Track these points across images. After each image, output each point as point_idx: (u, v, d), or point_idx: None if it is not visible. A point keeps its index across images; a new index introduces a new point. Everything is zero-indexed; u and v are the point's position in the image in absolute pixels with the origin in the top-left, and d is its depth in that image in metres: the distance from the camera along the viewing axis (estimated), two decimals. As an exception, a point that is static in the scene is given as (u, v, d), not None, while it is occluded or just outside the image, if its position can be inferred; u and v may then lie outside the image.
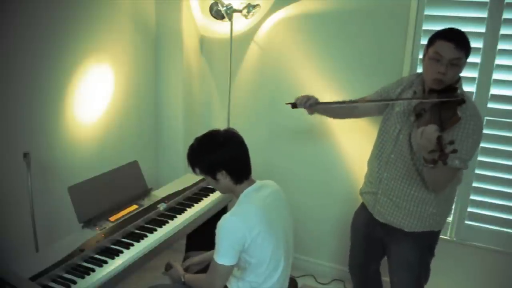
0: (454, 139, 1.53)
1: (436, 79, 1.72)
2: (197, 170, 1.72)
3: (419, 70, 2.34)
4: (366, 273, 2.23)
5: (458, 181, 1.91)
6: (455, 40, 1.68)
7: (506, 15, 2.14)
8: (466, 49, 1.70)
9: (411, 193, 1.87)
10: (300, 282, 2.69)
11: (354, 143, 2.60)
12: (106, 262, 1.73)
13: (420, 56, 2.33)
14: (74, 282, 1.60)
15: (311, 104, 2.03)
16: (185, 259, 2.10)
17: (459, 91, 1.72)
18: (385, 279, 2.16)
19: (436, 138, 1.47)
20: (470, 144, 1.71)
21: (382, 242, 2.05)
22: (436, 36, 1.74)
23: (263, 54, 2.74)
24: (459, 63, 1.71)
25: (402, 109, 1.89)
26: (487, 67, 2.21)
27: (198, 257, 2.02)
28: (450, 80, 1.72)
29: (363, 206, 2.11)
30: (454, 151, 1.44)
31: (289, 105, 2.08)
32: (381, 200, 1.95)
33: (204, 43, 2.89)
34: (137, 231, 1.99)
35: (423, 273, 2.00)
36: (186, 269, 1.98)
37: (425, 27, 2.28)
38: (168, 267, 1.94)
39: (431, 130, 1.52)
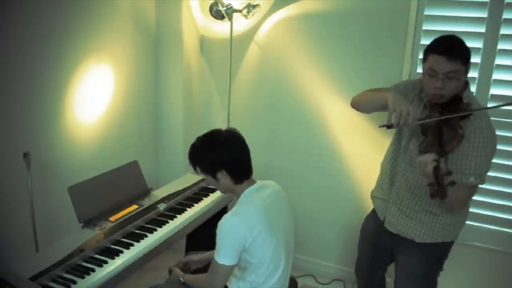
0: (465, 157, 1.47)
1: (435, 94, 1.65)
2: (198, 169, 1.73)
3: (419, 69, 2.34)
4: (372, 278, 2.18)
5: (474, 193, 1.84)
6: (447, 52, 1.58)
7: (506, 15, 2.14)
8: (461, 58, 1.60)
9: (421, 206, 1.81)
10: (300, 282, 2.69)
11: (355, 144, 2.59)
12: (106, 262, 1.73)
13: (420, 56, 2.33)
14: (74, 282, 1.60)
15: (411, 123, 1.64)
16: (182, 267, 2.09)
17: (465, 101, 1.64)
18: (389, 280, 2.16)
19: (433, 170, 1.41)
20: (484, 158, 1.63)
21: (391, 251, 2.00)
22: (428, 51, 1.65)
23: (263, 54, 2.74)
24: (457, 75, 1.60)
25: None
26: (487, 67, 2.21)
27: (198, 256, 2.02)
28: (451, 93, 1.64)
29: (373, 213, 2.06)
30: (452, 183, 1.37)
31: (384, 127, 1.66)
32: (392, 209, 1.90)
33: (204, 43, 2.89)
34: (137, 231, 1.99)
35: (428, 286, 1.95)
36: (185, 266, 1.98)
37: (425, 27, 2.28)
38: (170, 272, 1.94)
39: (428, 160, 1.45)
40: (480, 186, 2.30)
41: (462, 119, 1.60)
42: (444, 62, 1.58)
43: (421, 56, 2.29)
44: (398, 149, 1.90)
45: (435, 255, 1.89)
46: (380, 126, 1.69)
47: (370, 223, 2.09)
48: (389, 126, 1.64)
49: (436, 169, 1.40)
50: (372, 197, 2.07)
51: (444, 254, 1.93)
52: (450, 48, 1.60)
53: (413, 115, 1.60)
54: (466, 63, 1.63)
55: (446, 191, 1.38)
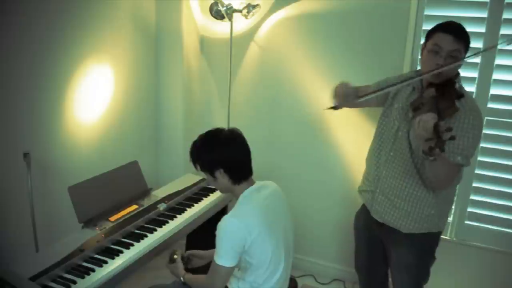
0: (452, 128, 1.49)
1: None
2: (198, 167, 1.73)
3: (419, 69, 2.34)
4: (373, 275, 2.20)
5: (459, 180, 1.87)
6: (454, 32, 1.68)
7: (506, 15, 2.14)
8: (464, 41, 1.69)
9: (410, 192, 1.84)
10: (300, 282, 2.69)
11: (355, 143, 2.59)
12: (106, 262, 1.74)
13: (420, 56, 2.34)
14: (74, 282, 1.60)
15: (353, 100, 1.83)
16: (185, 258, 2.09)
17: (457, 85, 1.71)
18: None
19: (433, 126, 1.44)
20: (471, 139, 1.68)
21: (382, 244, 2.03)
22: (435, 29, 1.73)
23: (263, 54, 2.74)
24: (458, 56, 1.69)
25: (401, 105, 1.87)
26: (487, 67, 2.21)
27: (202, 252, 2.02)
28: (448, 74, 1.71)
29: (362, 208, 2.09)
30: (452, 137, 1.41)
31: (331, 109, 1.81)
32: (379, 199, 1.93)
33: (204, 43, 2.89)
34: (137, 231, 1.99)
35: (422, 276, 1.97)
36: (188, 259, 1.99)
37: (425, 27, 2.28)
38: (172, 256, 1.95)
39: (428, 117, 1.50)
40: (480, 185, 2.33)
41: (457, 98, 1.66)
42: (450, 40, 1.67)
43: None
44: (383, 139, 1.94)
45: (424, 245, 1.92)
46: (324, 109, 1.90)
47: (359, 218, 2.13)
48: (334, 107, 1.82)
49: (437, 125, 1.44)
50: (360, 191, 2.10)
51: (434, 244, 1.95)
52: (457, 29, 1.70)
53: (353, 95, 1.82)
54: (466, 48, 1.71)
55: (445, 143, 1.41)
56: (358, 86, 2.08)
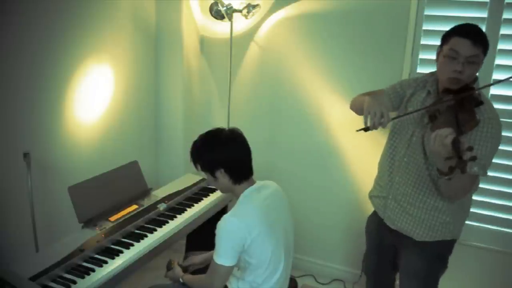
0: (472, 144, 1.40)
1: (453, 78, 1.62)
2: (198, 167, 1.73)
3: (419, 69, 2.34)
4: (380, 279, 2.17)
5: (476, 188, 1.82)
6: (472, 36, 1.58)
7: (506, 15, 2.14)
8: (483, 45, 1.60)
9: (423, 200, 1.78)
10: (300, 282, 2.69)
11: (355, 144, 2.59)
12: (106, 262, 1.74)
13: (420, 56, 2.33)
14: (74, 282, 1.60)
15: (386, 124, 1.69)
16: (185, 258, 2.10)
17: (476, 92, 1.62)
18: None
19: (452, 142, 1.35)
20: (489, 149, 1.61)
21: (394, 248, 1.98)
22: (451, 33, 1.64)
23: (263, 54, 2.74)
24: (477, 61, 1.60)
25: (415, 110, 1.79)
26: (487, 67, 2.20)
27: (199, 258, 2.02)
28: (467, 79, 1.62)
29: (375, 212, 2.04)
30: (473, 158, 1.31)
31: (361, 131, 1.72)
32: (391, 205, 1.88)
33: (204, 43, 2.89)
34: (137, 231, 1.99)
35: (430, 285, 1.92)
36: (186, 269, 1.98)
37: (425, 27, 2.28)
38: (169, 265, 1.95)
39: (446, 133, 1.41)
40: (480, 186, 2.32)
41: (477, 106, 1.59)
42: (468, 45, 1.58)
43: (421, 56, 2.33)
44: (397, 144, 1.89)
45: (435, 253, 1.87)
46: (357, 130, 1.73)
47: (371, 223, 2.09)
48: (365, 129, 1.71)
49: (456, 142, 1.35)
50: (370, 197, 2.06)
51: (447, 252, 1.90)
52: (475, 32, 1.61)
53: (388, 117, 1.66)
54: (485, 52, 1.62)
55: (467, 164, 1.32)
56: (369, 92, 2.01)
